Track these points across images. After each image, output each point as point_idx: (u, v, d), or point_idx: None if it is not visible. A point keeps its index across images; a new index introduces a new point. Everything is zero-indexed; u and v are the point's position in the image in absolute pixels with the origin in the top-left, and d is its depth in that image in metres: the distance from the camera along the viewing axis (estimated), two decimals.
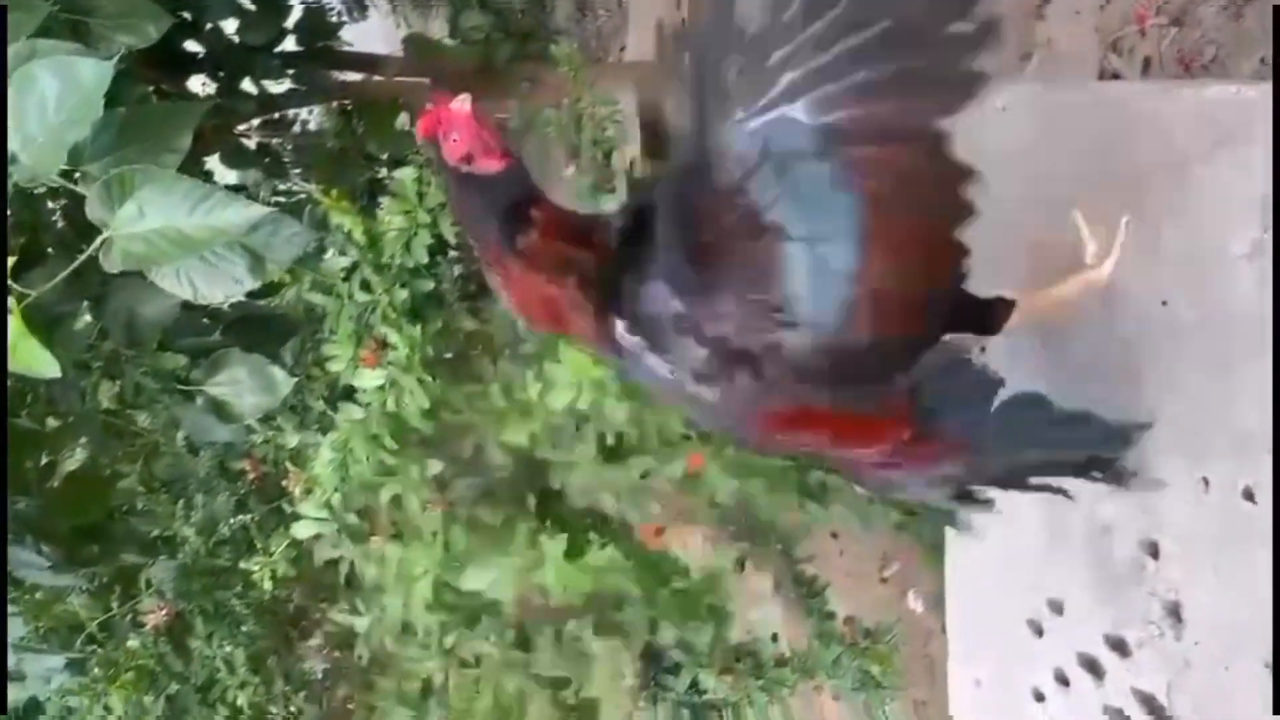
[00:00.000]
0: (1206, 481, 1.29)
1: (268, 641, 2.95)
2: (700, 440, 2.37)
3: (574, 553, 2.06)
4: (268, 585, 2.36)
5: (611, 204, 2.30)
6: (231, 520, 2.79)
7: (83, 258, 1.50)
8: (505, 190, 1.13)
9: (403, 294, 2.27)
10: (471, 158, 1.13)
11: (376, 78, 4.75)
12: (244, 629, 2.81)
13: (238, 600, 2.87)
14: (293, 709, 3.01)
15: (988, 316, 1.22)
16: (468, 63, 4.57)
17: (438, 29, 5.25)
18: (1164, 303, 1.30)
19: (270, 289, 2.58)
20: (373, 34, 5.84)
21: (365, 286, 2.31)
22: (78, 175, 1.54)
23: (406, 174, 2.26)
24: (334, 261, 2.28)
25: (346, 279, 2.33)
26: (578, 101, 3.33)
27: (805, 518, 2.55)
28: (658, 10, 5.96)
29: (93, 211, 1.48)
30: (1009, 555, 1.63)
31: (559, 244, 1.12)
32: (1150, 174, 1.27)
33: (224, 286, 1.67)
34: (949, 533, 1.73)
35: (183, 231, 1.40)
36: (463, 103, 1.13)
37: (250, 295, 3.26)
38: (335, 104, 6.84)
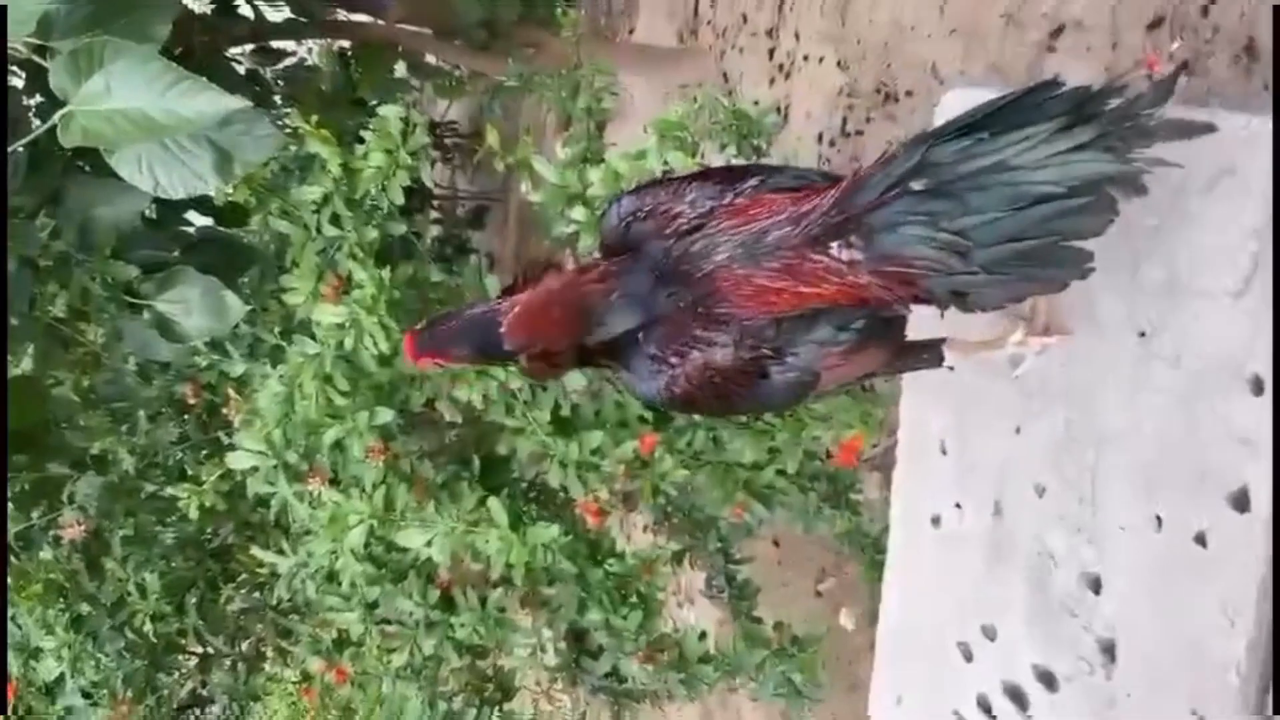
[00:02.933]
0: (1159, 520, 1.27)
1: (189, 573, 2.88)
2: (656, 424, 2.33)
3: (518, 523, 2.01)
4: (194, 514, 2.28)
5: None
6: (169, 445, 2.71)
7: (41, 129, 1.42)
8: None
9: (373, 234, 2.22)
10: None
11: (378, 21, 4.68)
12: (164, 558, 2.73)
13: (162, 527, 2.79)
14: (207, 645, 2.93)
15: (933, 353, 1.39)
16: (470, 17, 4.50)
17: None
18: (1141, 334, 1.28)
19: (239, 213, 2.51)
20: None
21: (335, 221, 2.25)
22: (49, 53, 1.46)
23: (391, 111, 2.20)
24: (305, 191, 2.21)
25: (316, 211, 2.26)
26: (576, 68, 3.28)
27: (749, 518, 2.52)
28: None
29: (56, 81, 1.39)
30: (948, 573, 1.61)
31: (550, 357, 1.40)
32: (1145, 204, 1.25)
33: (186, 181, 1.59)
34: (894, 540, 1.70)
35: (148, 114, 1.33)
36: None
37: (218, 219, 3.23)
38: (334, 45, 6.77)
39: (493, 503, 1.99)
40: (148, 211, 3.36)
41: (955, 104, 1.67)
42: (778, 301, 1.28)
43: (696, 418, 2.27)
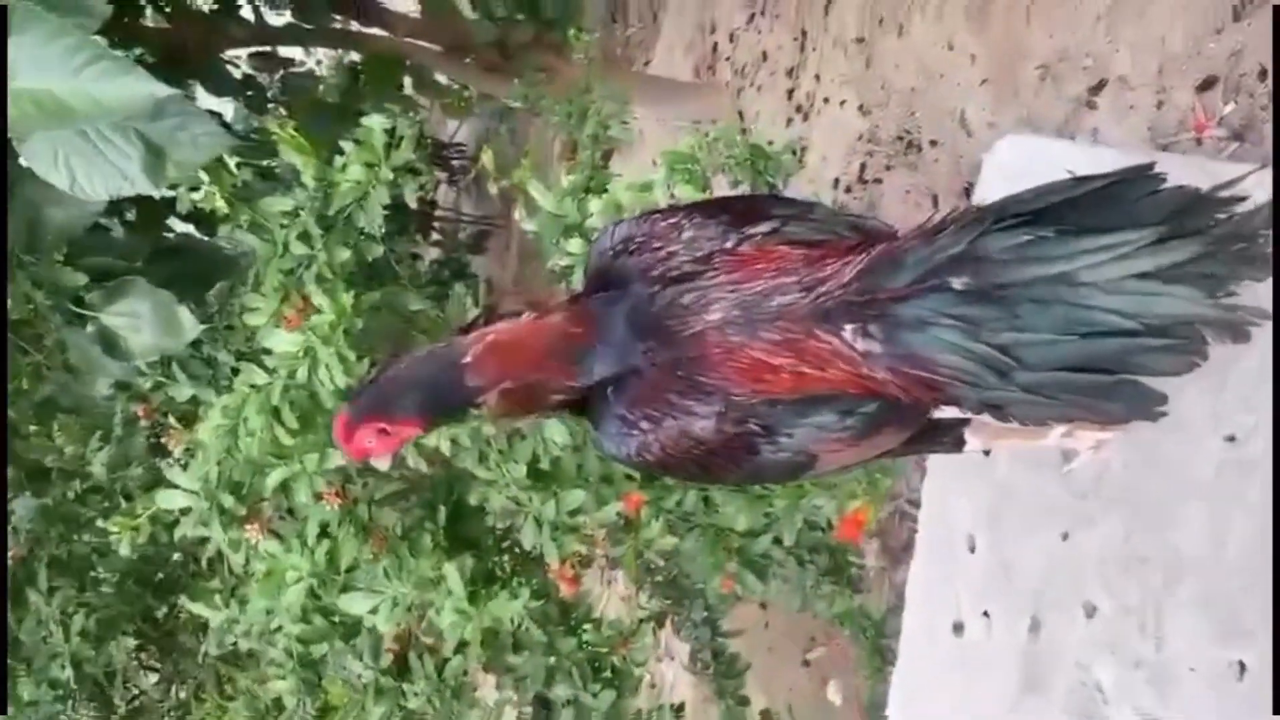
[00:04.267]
0: (1242, 668, 1.05)
1: (125, 609, 2.63)
2: (643, 483, 2.12)
3: (478, 589, 1.78)
4: (125, 551, 2.05)
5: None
6: (113, 469, 2.47)
7: None
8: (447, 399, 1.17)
9: (345, 254, 2.00)
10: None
11: (387, 34, 4.51)
12: (98, 590, 2.49)
13: (100, 557, 2.55)
14: (137, 692, 2.68)
15: (953, 437, 1.20)
16: (482, 35, 4.33)
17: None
18: (1231, 438, 1.07)
19: (209, 220, 2.30)
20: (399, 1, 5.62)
21: (304, 238, 2.03)
22: None
23: (376, 121, 2.00)
24: (273, 202, 2.00)
25: (286, 225, 2.05)
26: (586, 92, 3.09)
27: (740, 589, 2.30)
28: (690, 32, 5.77)
29: None
30: (970, 691, 1.38)
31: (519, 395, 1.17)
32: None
33: (109, 180, 1.37)
34: (906, 643, 1.48)
35: (57, 97, 1.10)
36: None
37: (199, 224, 3.02)
38: (344, 58, 6.61)
39: (449, 569, 1.76)
40: (129, 214, 3.19)
41: (1011, 154, 1.47)
42: (774, 381, 1.09)
43: None
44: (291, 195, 2.02)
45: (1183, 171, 1.02)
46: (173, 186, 2.73)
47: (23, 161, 1.23)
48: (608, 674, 2.23)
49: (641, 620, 2.46)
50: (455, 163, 8.29)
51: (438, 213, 7.86)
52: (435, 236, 7.63)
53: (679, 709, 2.46)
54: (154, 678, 2.74)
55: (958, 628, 1.42)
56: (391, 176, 1.99)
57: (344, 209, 2.02)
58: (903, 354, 1.02)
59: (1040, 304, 0.93)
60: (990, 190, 1.23)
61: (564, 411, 1.27)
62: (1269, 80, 2.40)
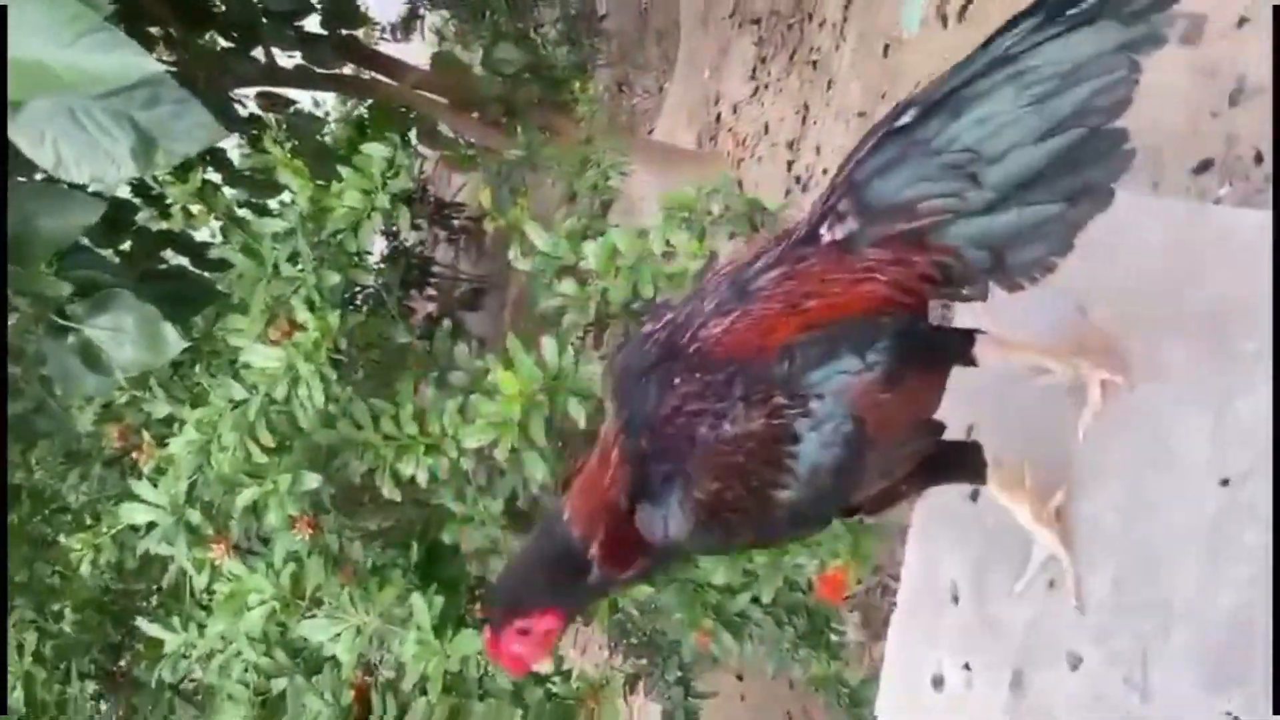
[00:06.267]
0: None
1: (84, 636, 2.55)
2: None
3: (445, 627, 1.72)
4: (85, 570, 1.99)
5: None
6: (81, 490, 2.42)
7: None
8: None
9: (334, 278, 1.98)
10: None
11: (395, 82, 4.56)
12: (56, 616, 2.41)
13: (62, 579, 2.49)
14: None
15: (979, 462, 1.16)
16: (489, 91, 4.39)
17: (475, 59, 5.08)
18: (1225, 481, 1.04)
19: (222, 264, 2.29)
20: (409, 49, 5.72)
21: (294, 259, 2.02)
22: None
23: (376, 149, 2.00)
24: (266, 223, 1.99)
25: (277, 248, 2.04)
26: (588, 142, 3.12)
27: (716, 648, 2.24)
28: (694, 103, 5.86)
29: None
30: None
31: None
32: (1245, 326, 1.03)
33: (95, 163, 1.35)
34: (884, 698, 1.42)
35: (46, 65, 1.08)
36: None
37: (196, 261, 3.00)
38: (350, 106, 6.68)
39: (416, 599, 1.70)
40: (125, 247, 3.17)
41: None
42: (779, 327, 1.03)
43: None
44: (284, 218, 2.01)
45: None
46: (167, 216, 2.74)
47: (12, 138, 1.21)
48: None
49: (611, 673, 2.39)
50: (455, 222, 8.35)
51: (435, 269, 7.90)
52: (431, 292, 7.66)
53: None
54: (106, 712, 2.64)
55: (937, 682, 1.37)
56: (388, 205, 1.99)
57: (337, 234, 2.01)
58: (877, 211, 1.00)
59: (984, 96, 0.94)
60: None
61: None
62: (1265, 163, 2.43)
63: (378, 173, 2.01)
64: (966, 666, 1.34)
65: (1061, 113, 0.93)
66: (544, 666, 1.99)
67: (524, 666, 1.14)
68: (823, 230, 1.01)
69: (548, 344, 1.79)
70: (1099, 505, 1.17)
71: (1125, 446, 1.14)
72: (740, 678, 4.15)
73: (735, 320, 1.03)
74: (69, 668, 2.52)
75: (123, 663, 2.73)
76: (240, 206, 2.72)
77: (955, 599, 1.35)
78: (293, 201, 2.03)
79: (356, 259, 2.05)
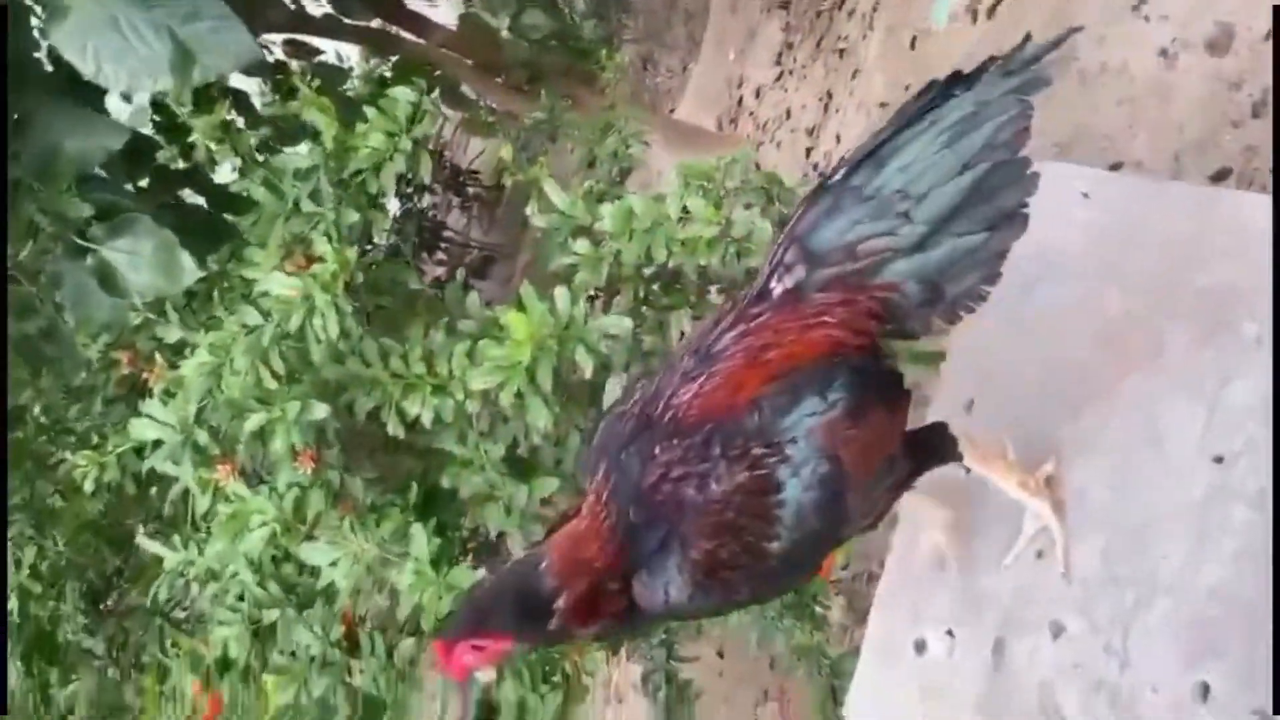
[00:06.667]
0: (1206, 689, 1.03)
1: (78, 558, 2.58)
2: None
3: (442, 559, 1.75)
4: (89, 488, 2.02)
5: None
6: (86, 411, 2.44)
7: None
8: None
9: (354, 217, 2.00)
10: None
11: (421, 40, 4.57)
12: (54, 535, 2.44)
13: (62, 500, 2.51)
14: (81, 641, 2.61)
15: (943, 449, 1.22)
16: (515, 56, 4.40)
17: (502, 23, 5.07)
18: (1219, 459, 1.06)
19: (242, 204, 2.30)
20: (437, 10, 5.71)
21: (315, 196, 2.04)
22: None
23: (403, 93, 2.01)
24: (290, 159, 2.01)
25: (298, 184, 2.06)
26: (611, 108, 3.13)
27: None
28: (716, 85, 5.86)
29: None
30: (925, 710, 1.35)
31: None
32: (1248, 309, 1.05)
33: (135, 73, 1.37)
34: (864, 661, 1.45)
35: None
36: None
37: (213, 202, 3.01)
38: (373, 64, 6.68)
39: (416, 529, 1.73)
40: (144, 182, 3.19)
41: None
42: (745, 382, 1.10)
43: None
44: (308, 155, 2.03)
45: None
46: (189, 155, 2.75)
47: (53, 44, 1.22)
48: (557, 679, 2.19)
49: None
50: (469, 189, 8.36)
51: (446, 234, 7.91)
52: (441, 257, 7.67)
53: None
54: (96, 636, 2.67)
55: (919, 646, 1.40)
56: (410, 148, 2.00)
57: (359, 173, 2.03)
58: (820, 256, 1.09)
59: (902, 149, 1.07)
60: None
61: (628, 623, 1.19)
62: None
63: (403, 116, 2.03)
64: (950, 633, 1.37)
65: (971, 150, 1.06)
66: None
67: (467, 674, 1.17)
68: (773, 284, 1.11)
69: (561, 293, 1.81)
70: (1089, 479, 1.19)
71: (1119, 422, 1.17)
72: (721, 654, 4.20)
73: (703, 384, 1.10)
74: (62, 588, 2.55)
75: (115, 594, 2.76)
76: (260, 151, 2.73)
77: (943, 565, 1.37)
78: (317, 141, 2.05)
79: (376, 201, 2.06)
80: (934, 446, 1.23)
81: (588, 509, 1.15)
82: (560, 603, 1.10)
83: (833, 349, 1.09)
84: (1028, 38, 1.08)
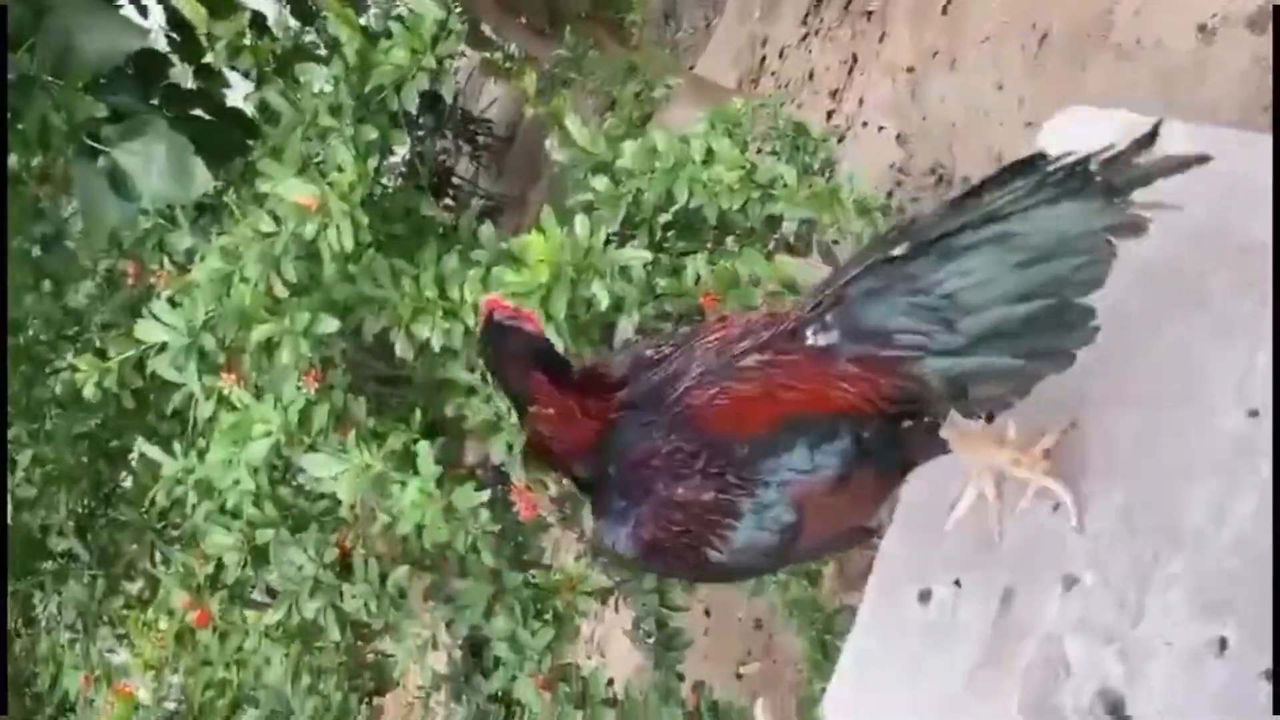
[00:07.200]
0: (1223, 643, 1.02)
1: (73, 468, 2.56)
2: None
3: (444, 480, 1.74)
4: (89, 393, 1.99)
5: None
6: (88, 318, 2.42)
7: None
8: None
9: (372, 133, 1.96)
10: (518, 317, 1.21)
11: None
12: (50, 442, 2.42)
13: (59, 409, 2.49)
14: (72, 550, 2.60)
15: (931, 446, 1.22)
16: None
17: None
18: (1253, 413, 1.04)
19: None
20: None
21: (335, 111, 2.00)
22: None
23: (429, 8, 1.97)
24: (311, 69, 1.97)
25: (318, 96, 2.02)
26: (635, 49, 3.09)
27: None
28: (740, 44, 5.79)
29: None
30: (926, 659, 1.34)
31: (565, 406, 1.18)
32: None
33: None
34: (865, 609, 1.44)
35: None
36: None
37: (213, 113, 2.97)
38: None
39: (422, 447, 1.71)
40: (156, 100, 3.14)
41: (1066, 129, 1.46)
42: (751, 414, 1.13)
43: None
44: (328, 62, 1.99)
45: None
46: (204, 67, 2.70)
47: None
48: (549, 616, 2.18)
49: (585, 578, 2.40)
50: (480, 138, 8.29)
51: (455, 180, 7.85)
52: (448, 202, 7.61)
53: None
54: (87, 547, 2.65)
55: (924, 595, 1.38)
56: (435, 66, 1.96)
57: (380, 90, 1.99)
58: (858, 332, 1.08)
59: (970, 249, 1.01)
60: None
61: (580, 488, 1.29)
62: None
63: (428, 33, 1.99)
64: (957, 583, 1.35)
65: (1039, 280, 1.01)
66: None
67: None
68: (809, 332, 1.11)
69: (581, 220, 1.77)
70: (1116, 431, 1.17)
71: (1152, 372, 1.14)
72: (708, 613, 4.21)
73: (716, 395, 1.13)
74: (54, 497, 2.54)
75: (107, 508, 2.74)
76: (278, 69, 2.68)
77: (984, 514, 1.35)
78: (337, 53, 2.00)
79: (396, 119, 2.02)
80: (920, 447, 1.22)
81: (599, 373, 1.21)
82: (534, 409, 1.18)
83: (843, 412, 1.11)
84: (1156, 128, 0.97)
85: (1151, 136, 0.97)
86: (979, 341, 1.04)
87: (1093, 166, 0.97)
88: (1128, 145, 0.97)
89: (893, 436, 1.15)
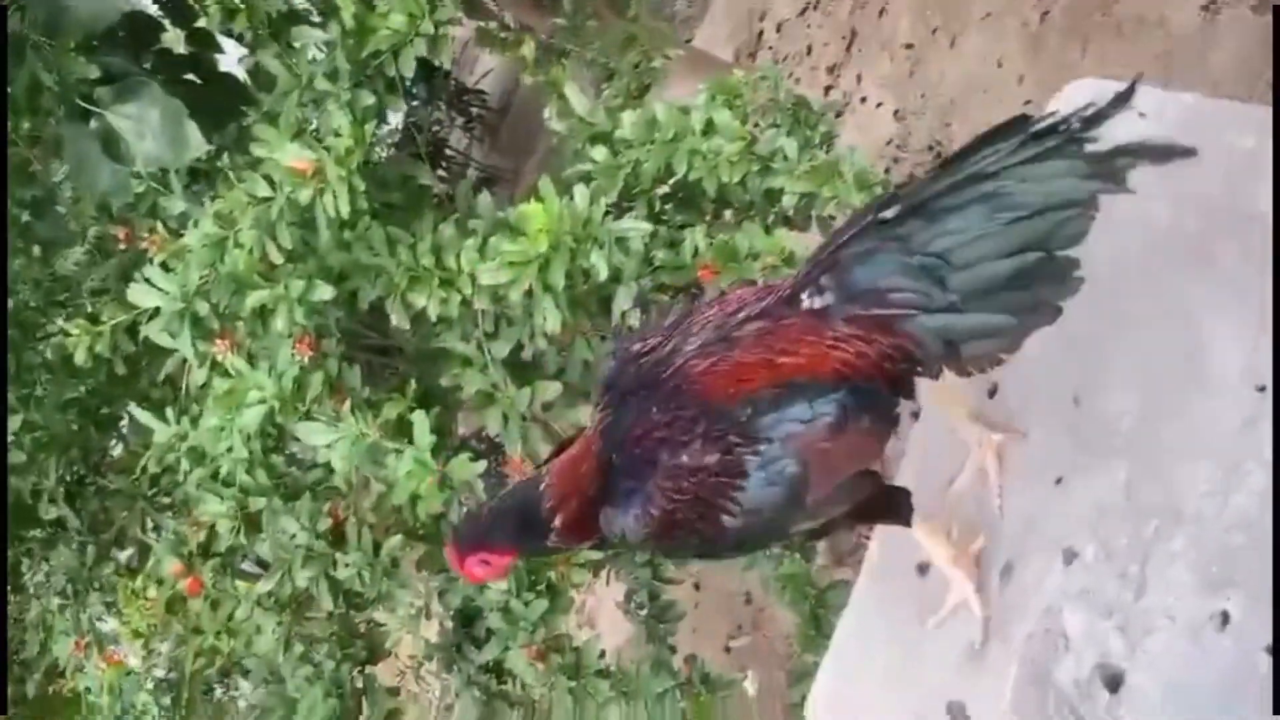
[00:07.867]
0: (1225, 618, 1.02)
1: (63, 435, 2.54)
2: None
3: (441, 449, 1.73)
4: (80, 358, 1.97)
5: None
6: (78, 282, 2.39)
7: None
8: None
9: (368, 100, 1.94)
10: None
11: None
12: (39, 407, 2.40)
13: (49, 374, 2.47)
14: (62, 517, 2.58)
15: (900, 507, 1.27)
16: None
17: None
18: (1261, 388, 1.03)
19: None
20: None
21: (331, 76, 1.97)
22: None
23: None
24: (307, 32, 1.94)
25: (314, 61, 1.99)
26: (634, 19, 3.06)
27: None
28: (738, 18, 5.75)
29: None
30: (924, 632, 1.34)
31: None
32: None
33: None
34: (862, 582, 1.44)
35: None
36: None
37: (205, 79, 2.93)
38: None
39: (417, 416, 1.70)
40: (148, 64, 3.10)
41: (1076, 102, 1.44)
42: (751, 378, 1.15)
43: None
44: (324, 26, 1.96)
45: None
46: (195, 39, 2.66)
47: None
48: (542, 587, 2.18)
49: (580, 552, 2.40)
50: (473, 110, 8.22)
51: (448, 152, 7.79)
52: (441, 174, 7.56)
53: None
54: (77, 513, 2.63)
55: (922, 569, 1.38)
56: (433, 31, 1.94)
57: (377, 55, 1.96)
58: (853, 291, 1.11)
59: (960, 209, 1.04)
60: None
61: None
62: None
63: None
64: None
65: (1026, 236, 1.04)
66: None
67: (481, 581, 1.32)
68: (804, 296, 1.13)
69: (580, 189, 1.76)
70: (1119, 407, 1.17)
71: (1160, 345, 1.14)
72: (698, 586, 4.22)
73: (714, 363, 1.15)
74: (45, 463, 2.52)
75: (97, 475, 2.72)
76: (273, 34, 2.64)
77: (982, 485, 1.34)
78: (334, 16, 1.97)
79: (389, 85, 2.00)
80: (894, 510, 1.27)
81: (587, 439, 1.23)
82: (557, 523, 1.20)
83: (842, 372, 1.13)
84: (1133, 85, 0.99)
85: (1128, 94, 1.00)
86: (970, 297, 1.07)
87: (1074, 124, 1.00)
88: (1107, 102, 1.00)
89: (887, 396, 1.17)
